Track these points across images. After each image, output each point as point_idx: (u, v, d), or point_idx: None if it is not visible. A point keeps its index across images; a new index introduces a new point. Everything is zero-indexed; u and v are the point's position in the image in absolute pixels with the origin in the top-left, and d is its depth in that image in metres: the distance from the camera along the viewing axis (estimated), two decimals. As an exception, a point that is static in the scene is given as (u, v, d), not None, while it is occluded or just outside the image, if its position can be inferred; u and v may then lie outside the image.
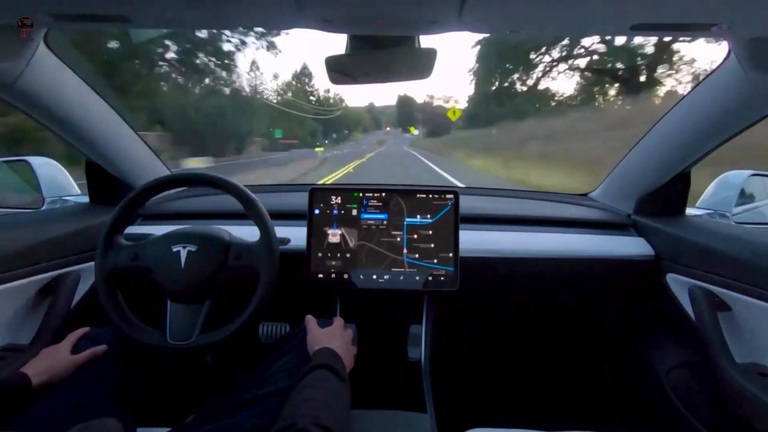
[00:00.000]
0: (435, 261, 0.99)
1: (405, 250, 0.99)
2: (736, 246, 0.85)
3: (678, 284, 0.97)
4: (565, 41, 19.72)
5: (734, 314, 0.84)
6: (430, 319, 1.04)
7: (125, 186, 1.14)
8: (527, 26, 0.66)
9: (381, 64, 0.80)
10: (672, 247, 1.02)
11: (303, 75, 59.65)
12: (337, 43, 0.76)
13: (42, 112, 0.90)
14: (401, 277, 0.99)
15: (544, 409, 1.34)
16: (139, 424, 0.75)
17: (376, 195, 1.02)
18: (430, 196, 1.01)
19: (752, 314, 0.80)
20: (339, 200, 1.01)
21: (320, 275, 1.00)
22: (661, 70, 16.72)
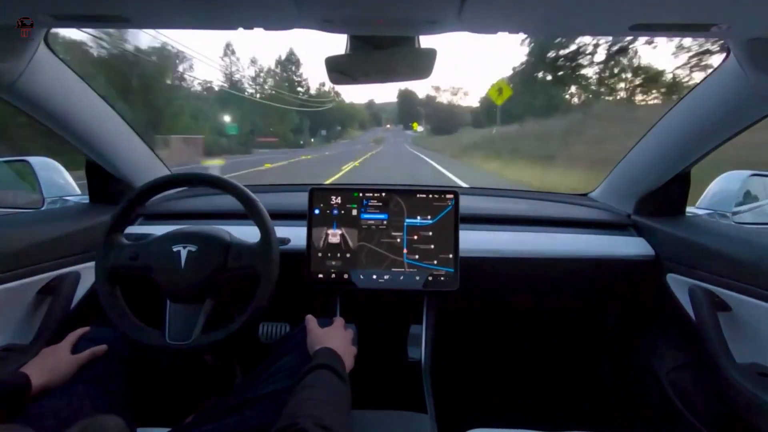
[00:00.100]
0: (435, 262, 0.99)
1: (405, 251, 0.99)
2: (737, 246, 0.85)
3: (678, 284, 0.97)
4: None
5: (734, 314, 0.84)
6: (430, 319, 1.04)
7: (125, 186, 1.14)
8: (527, 26, 0.66)
9: (381, 64, 0.80)
10: (672, 247, 1.02)
11: (289, 62, 51.87)
12: (337, 43, 0.76)
13: (42, 112, 0.90)
14: (401, 277, 0.99)
15: (544, 409, 1.34)
16: (139, 424, 0.75)
17: (376, 195, 1.02)
18: (430, 196, 1.01)
19: (752, 314, 0.80)
20: (339, 200, 1.01)
21: (320, 275, 1.00)
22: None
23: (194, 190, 1.34)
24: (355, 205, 1.01)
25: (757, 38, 0.67)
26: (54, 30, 0.82)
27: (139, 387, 0.82)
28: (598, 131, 11.25)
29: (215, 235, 0.85)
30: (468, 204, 1.11)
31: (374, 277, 0.99)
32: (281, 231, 0.90)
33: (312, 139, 48.25)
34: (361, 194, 1.02)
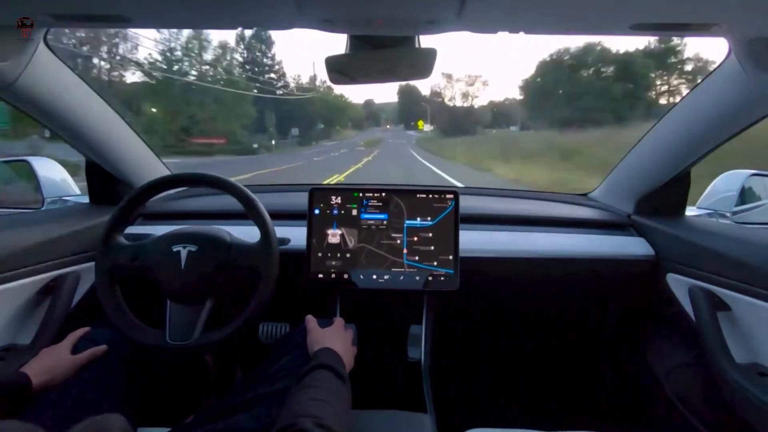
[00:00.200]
0: (435, 263, 0.99)
1: (405, 252, 0.99)
2: (736, 246, 0.85)
3: (678, 284, 0.97)
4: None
5: (734, 314, 0.84)
6: (430, 319, 1.04)
7: (125, 186, 1.14)
8: (527, 26, 0.66)
9: (381, 64, 0.80)
10: (672, 247, 1.02)
11: (257, 40, 36.66)
12: (337, 43, 0.76)
13: (42, 112, 0.90)
14: (401, 277, 0.99)
15: (544, 409, 1.34)
16: (139, 424, 0.75)
17: (376, 195, 1.01)
18: (430, 196, 1.01)
19: (752, 314, 0.80)
20: (339, 200, 1.01)
21: (320, 275, 1.00)
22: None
23: (194, 190, 1.34)
24: (355, 205, 1.01)
25: (757, 38, 0.67)
26: (54, 30, 0.82)
27: (139, 387, 0.82)
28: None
29: (215, 235, 0.85)
30: (468, 204, 1.11)
31: (374, 277, 0.99)
32: (281, 231, 0.90)
33: (273, 141, 30.27)
34: (361, 194, 1.02)
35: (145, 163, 1.20)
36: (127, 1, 0.57)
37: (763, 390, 0.73)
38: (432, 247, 0.99)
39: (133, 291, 0.87)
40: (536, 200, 1.36)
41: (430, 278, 0.98)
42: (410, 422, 0.78)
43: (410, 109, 70.70)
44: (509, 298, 1.28)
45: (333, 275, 0.99)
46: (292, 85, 42.91)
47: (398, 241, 1.00)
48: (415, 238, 1.00)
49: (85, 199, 1.21)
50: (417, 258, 0.99)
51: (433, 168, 13.75)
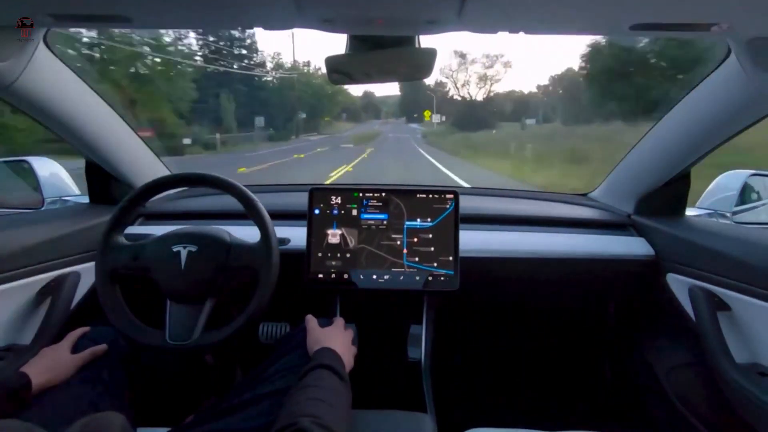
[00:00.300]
0: (435, 264, 0.99)
1: (405, 253, 0.99)
2: (736, 246, 0.85)
3: (678, 284, 0.97)
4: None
5: (734, 314, 0.84)
6: (430, 319, 1.04)
7: (125, 186, 1.14)
8: (527, 26, 0.66)
9: (381, 64, 0.80)
10: (672, 247, 1.02)
11: None
12: (337, 43, 0.76)
13: (42, 112, 0.90)
14: (401, 277, 0.99)
15: (544, 409, 1.34)
16: (139, 424, 0.75)
17: (376, 195, 1.01)
18: (430, 196, 1.01)
19: (752, 314, 0.80)
20: (339, 200, 1.01)
21: (320, 275, 1.00)
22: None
23: (194, 190, 1.34)
24: (355, 205, 1.01)
25: (757, 38, 0.67)
26: (54, 30, 0.82)
27: (139, 387, 0.82)
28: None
29: (215, 235, 0.85)
30: (468, 204, 1.11)
31: (374, 277, 0.99)
32: (281, 231, 0.90)
33: (218, 135, 19.25)
34: (361, 194, 1.02)
35: (144, 163, 1.20)
36: (127, 1, 0.57)
37: (763, 390, 0.73)
38: (432, 249, 0.99)
39: (133, 291, 0.87)
40: (536, 200, 1.36)
41: (430, 278, 0.98)
42: (410, 422, 0.78)
43: (414, 98, 57.26)
44: (509, 298, 1.28)
45: (333, 275, 0.99)
46: (269, 65, 32.03)
47: (398, 242, 1.00)
48: (415, 240, 1.00)
49: (85, 199, 1.21)
50: (417, 259, 0.99)
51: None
